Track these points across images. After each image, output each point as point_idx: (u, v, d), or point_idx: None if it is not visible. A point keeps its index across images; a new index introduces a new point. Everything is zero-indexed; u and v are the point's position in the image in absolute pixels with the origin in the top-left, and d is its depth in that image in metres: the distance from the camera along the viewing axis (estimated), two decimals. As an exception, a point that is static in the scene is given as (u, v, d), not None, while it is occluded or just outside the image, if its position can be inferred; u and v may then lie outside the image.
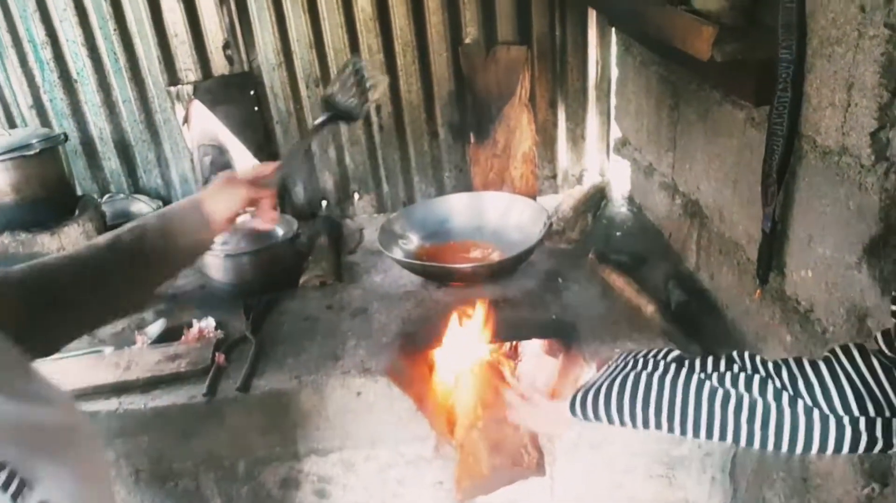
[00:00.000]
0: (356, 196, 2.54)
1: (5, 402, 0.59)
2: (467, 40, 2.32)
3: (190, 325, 1.82)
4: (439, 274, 1.98)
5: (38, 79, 2.30)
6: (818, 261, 1.19)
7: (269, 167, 1.17)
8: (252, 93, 2.35)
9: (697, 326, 1.63)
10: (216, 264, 2.01)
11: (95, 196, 2.39)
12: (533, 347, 1.98)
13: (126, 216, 2.25)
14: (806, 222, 1.22)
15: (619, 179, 2.50)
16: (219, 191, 1.10)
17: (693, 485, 1.69)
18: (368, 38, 2.28)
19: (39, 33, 2.23)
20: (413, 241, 2.16)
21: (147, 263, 1.00)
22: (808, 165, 1.18)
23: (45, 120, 2.36)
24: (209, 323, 1.84)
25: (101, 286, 0.96)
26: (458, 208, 2.26)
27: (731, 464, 1.67)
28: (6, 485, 0.54)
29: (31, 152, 2.02)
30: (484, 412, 1.74)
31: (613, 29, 2.33)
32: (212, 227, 1.08)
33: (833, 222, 1.13)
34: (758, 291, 1.40)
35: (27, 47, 2.26)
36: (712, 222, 1.68)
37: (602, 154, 2.58)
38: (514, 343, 1.97)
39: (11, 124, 2.37)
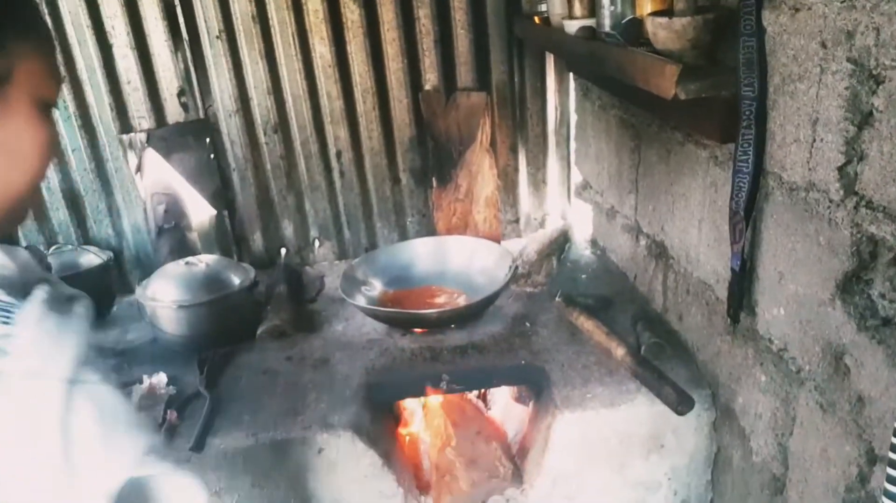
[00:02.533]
0: (317, 243, 2.49)
1: None
2: (427, 87, 2.32)
3: (140, 382, 1.72)
4: (404, 320, 1.92)
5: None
6: (790, 299, 1.18)
7: None
8: (208, 140, 2.29)
9: (668, 368, 1.60)
10: (168, 315, 1.91)
11: (42, 247, 2.28)
12: (502, 394, 1.93)
13: (75, 268, 2.14)
14: (776, 259, 1.21)
15: (582, 223, 2.49)
16: None
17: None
18: (328, 84, 2.26)
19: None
20: (376, 288, 2.10)
21: None
22: (776, 202, 1.18)
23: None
24: (161, 378, 1.73)
25: None
26: (421, 253, 2.21)
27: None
28: None
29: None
30: (455, 431, 1.76)
31: (571, 75, 2.36)
32: None
33: (804, 258, 1.12)
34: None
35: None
36: (678, 263, 1.67)
37: (563, 198, 2.58)
38: (483, 391, 1.91)
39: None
